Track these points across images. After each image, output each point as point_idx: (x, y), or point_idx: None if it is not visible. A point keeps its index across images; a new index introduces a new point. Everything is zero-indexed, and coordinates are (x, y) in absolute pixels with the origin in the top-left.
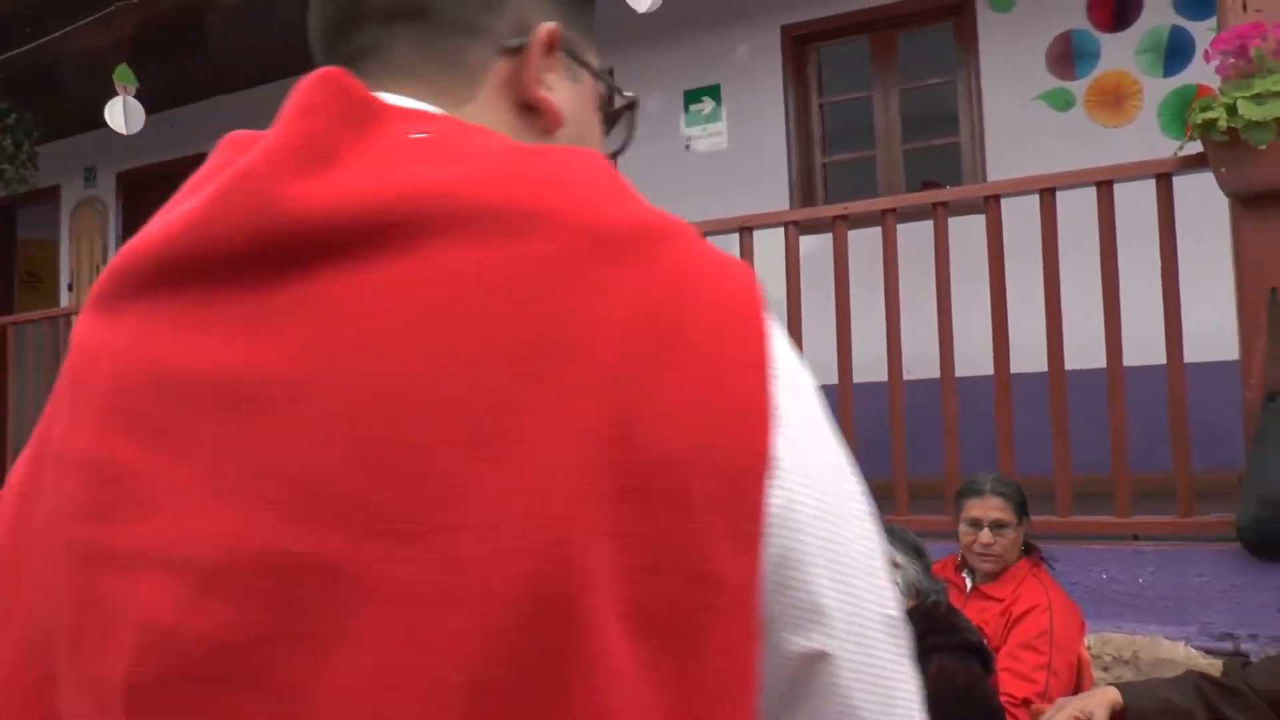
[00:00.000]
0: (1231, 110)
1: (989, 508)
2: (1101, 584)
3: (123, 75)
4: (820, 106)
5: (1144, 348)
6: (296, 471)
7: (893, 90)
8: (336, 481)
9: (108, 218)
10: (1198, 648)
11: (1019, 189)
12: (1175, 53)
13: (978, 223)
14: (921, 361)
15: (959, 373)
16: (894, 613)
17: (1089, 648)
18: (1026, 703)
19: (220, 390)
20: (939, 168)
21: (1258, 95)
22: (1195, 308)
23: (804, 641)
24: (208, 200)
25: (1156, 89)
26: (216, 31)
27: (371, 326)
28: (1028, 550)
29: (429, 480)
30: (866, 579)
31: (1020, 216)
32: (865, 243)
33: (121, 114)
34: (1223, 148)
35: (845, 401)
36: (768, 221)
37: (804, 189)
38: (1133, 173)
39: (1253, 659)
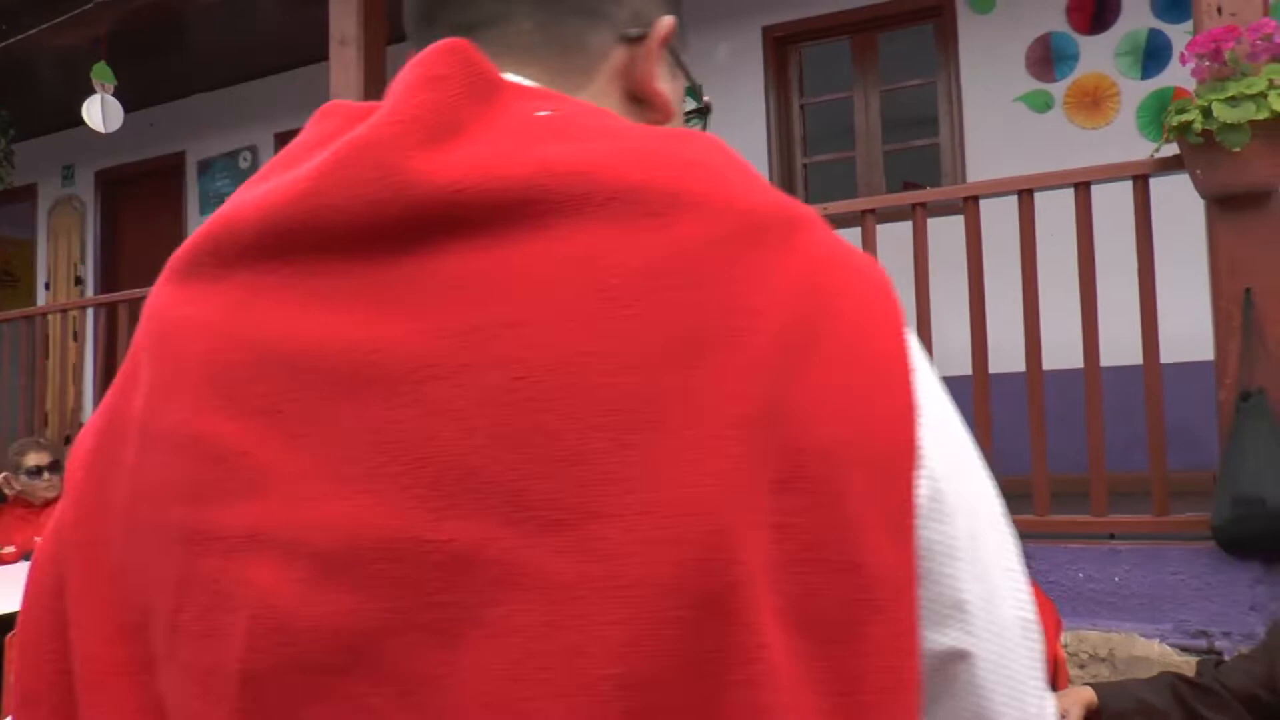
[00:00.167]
0: (1207, 113)
1: None
2: (1078, 582)
3: (100, 73)
4: (801, 107)
5: (1121, 348)
6: (431, 456)
7: (873, 91)
8: (477, 467)
9: (85, 216)
10: (1172, 645)
11: (998, 190)
12: (1153, 55)
13: (957, 223)
14: None
15: (937, 372)
16: (1030, 616)
17: (1065, 645)
18: None
19: (340, 369)
20: (919, 169)
21: (1232, 98)
22: (1171, 309)
23: (943, 639)
24: (322, 169)
25: (1134, 91)
26: (195, 29)
27: (511, 307)
28: None
29: (577, 467)
30: (1005, 577)
31: (999, 217)
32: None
33: (99, 112)
34: (1198, 150)
35: None
36: None
37: (784, 189)
38: (1110, 174)
39: (1225, 656)
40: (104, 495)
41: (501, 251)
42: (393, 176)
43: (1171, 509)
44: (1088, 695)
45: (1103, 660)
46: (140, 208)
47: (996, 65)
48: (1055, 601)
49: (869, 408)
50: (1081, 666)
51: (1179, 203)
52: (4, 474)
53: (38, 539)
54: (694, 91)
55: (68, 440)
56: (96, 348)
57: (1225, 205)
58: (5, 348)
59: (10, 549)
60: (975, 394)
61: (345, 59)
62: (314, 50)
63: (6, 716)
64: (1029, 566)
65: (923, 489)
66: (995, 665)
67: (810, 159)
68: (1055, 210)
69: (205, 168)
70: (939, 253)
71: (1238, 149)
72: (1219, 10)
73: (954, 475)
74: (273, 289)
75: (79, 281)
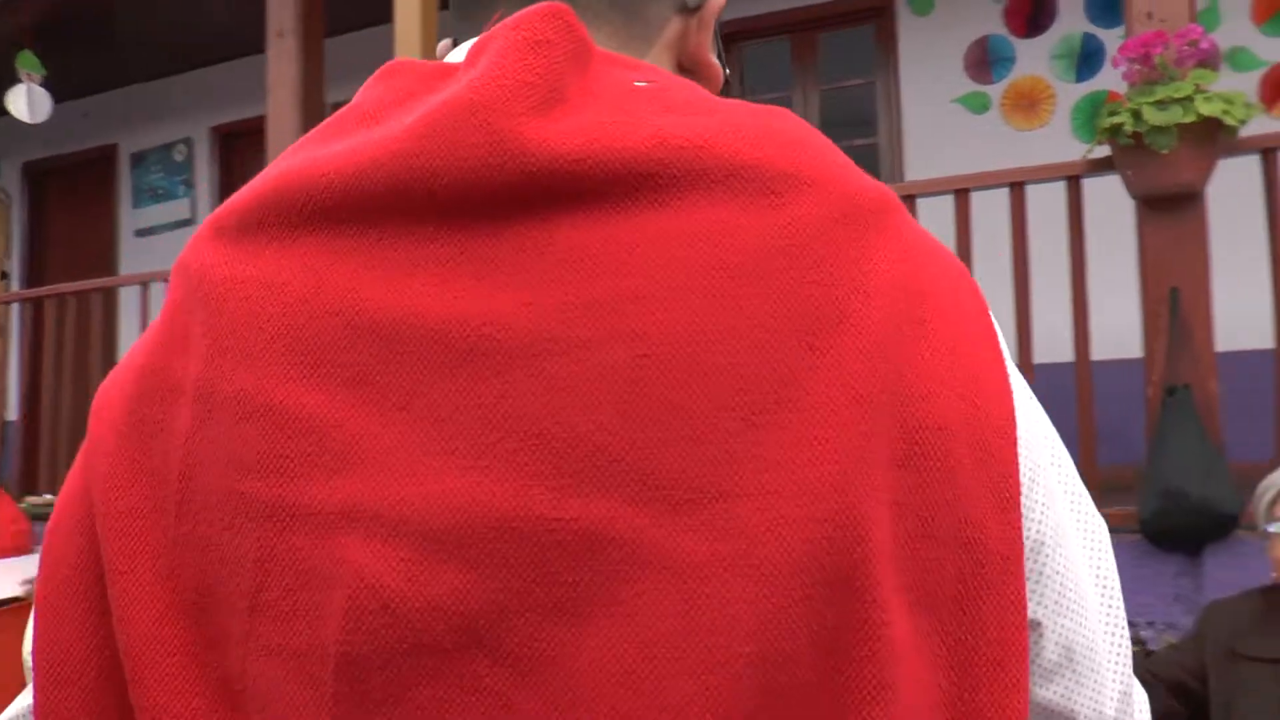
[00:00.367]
0: (1137, 115)
1: None
2: None
3: (26, 62)
4: None
5: (1053, 346)
6: (551, 432)
7: (813, 90)
8: (602, 445)
9: (11, 209)
10: None
11: (935, 189)
12: (1087, 59)
13: None
14: None
15: None
16: (1111, 593)
17: None
18: None
19: (444, 340)
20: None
21: (1160, 101)
22: (1103, 307)
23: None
24: (419, 130)
25: (1069, 94)
26: (129, 19)
27: (632, 281)
28: None
29: (706, 446)
30: (1083, 552)
31: (936, 216)
32: None
33: (25, 102)
34: (1128, 151)
35: None
36: None
37: None
38: (1045, 174)
39: (1150, 645)
40: (145, 462)
41: (618, 225)
42: (506, 143)
43: (1102, 503)
44: None
45: None
46: (69, 200)
47: (935, 67)
48: None
49: (976, 387)
50: None
51: (1111, 203)
52: None
53: None
54: (726, 67)
55: None
56: (22, 343)
57: (1154, 206)
58: None
59: None
60: None
61: (284, 51)
62: (252, 42)
63: (20, 696)
64: None
65: (1023, 463)
66: (1069, 639)
67: None
68: (991, 210)
69: (139, 160)
70: None
71: (1166, 151)
72: (1149, 16)
73: (1044, 450)
74: (358, 253)
75: (3, 276)
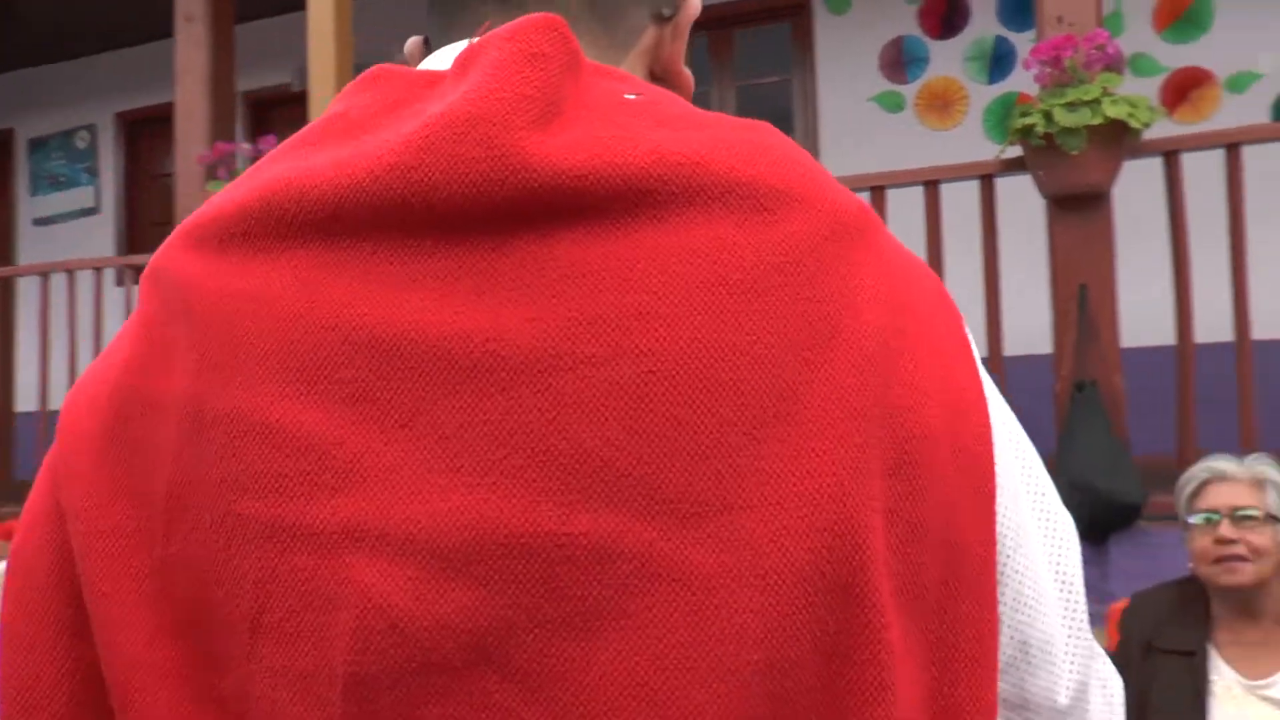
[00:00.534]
0: (1048, 117)
1: None
2: None
3: None
4: None
5: None
6: (559, 448)
7: (729, 87)
8: (610, 460)
9: None
10: None
11: (851, 186)
12: (999, 61)
13: None
14: None
15: None
16: (1072, 585)
17: None
18: None
19: (447, 357)
20: None
21: (1070, 104)
22: (1014, 304)
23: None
24: (417, 143)
25: (981, 95)
26: (25, 2)
27: (636, 298)
28: None
29: (711, 460)
30: (1043, 551)
31: None
32: None
33: None
34: (1040, 152)
35: None
36: None
37: None
38: (958, 173)
39: None
40: (127, 482)
41: (619, 241)
42: (508, 158)
43: None
44: None
45: None
46: None
47: (851, 65)
48: None
49: (955, 396)
50: None
51: (1022, 202)
52: None
53: None
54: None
55: None
56: None
57: (1063, 205)
58: None
59: None
60: None
61: (192, 36)
62: (159, 26)
63: None
64: None
65: (999, 472)
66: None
67: None
68: (906, 208)
69: (38, 146)
70: None
71: (1075, 152)
72: (1059, 20)
73: (1015, 454)
74: (353, 266)
75: None
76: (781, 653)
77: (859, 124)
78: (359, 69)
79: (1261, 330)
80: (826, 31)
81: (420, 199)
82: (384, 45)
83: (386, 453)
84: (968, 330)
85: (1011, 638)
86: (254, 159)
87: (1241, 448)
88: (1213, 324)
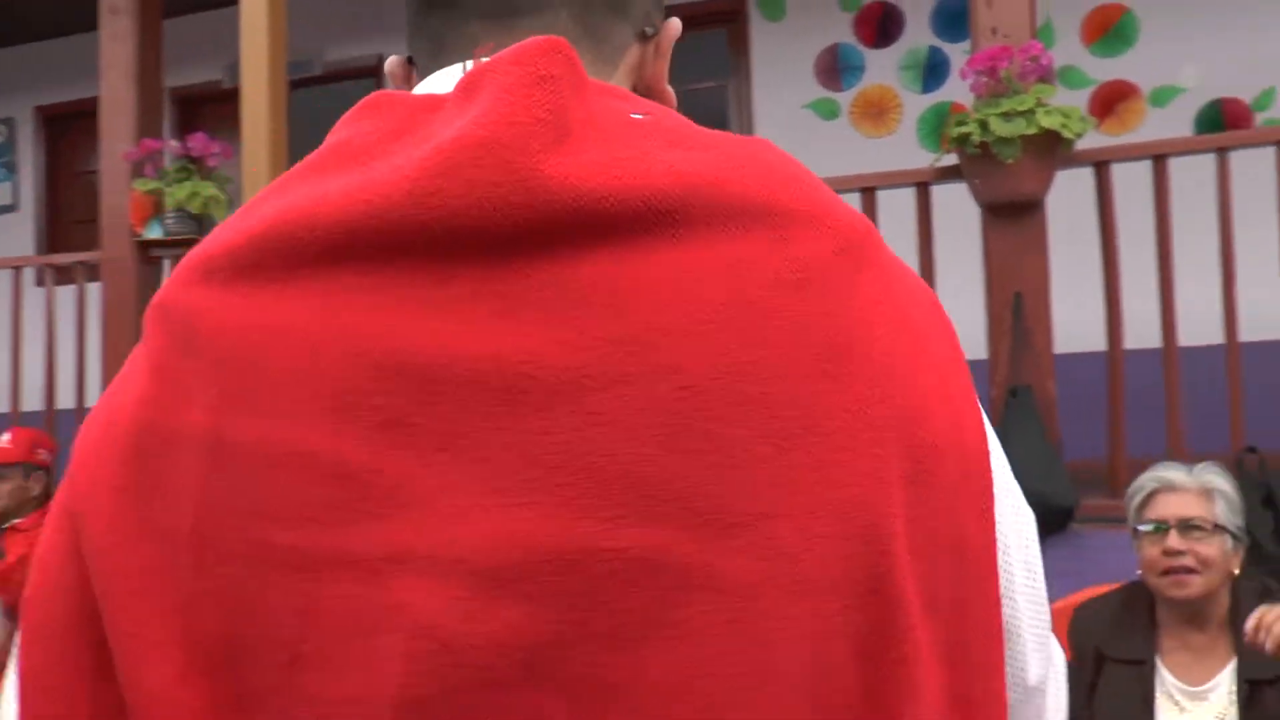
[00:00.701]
0: (984, 126)
1: None
2: None
3: None
4: None
5: None
6: (598, 466)
7: None
8: (647, 475)
9: None
10: None
11: None
12: (933, 71)
13: None
14: None
15: None
16: (1037, 565)
17: None
18: None
19: (480, 379)
20: None
21: (1006, 113)
22: (949, 310)
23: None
24: (433, 168)
25: (916, 104)
26: None
27: (662, 316)
28: None
29: (743, 472)
30: (1022, 552)
31: None
32: None
33: None
34: (975, 160)
35: None
36: None
37: None
38: (894, 181)
39: None
40: (150, 519)
41: (641, 260)
42: (527, 181)
43: None
44: None
45: None
46: None
47: (786, 72)
48: None
49: (957, 406)
50: None
51: (958, 210)
52: None
53: None
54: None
55: None
56: None
57: (998, 213)
58: None
59: None
60: None
61: (118, 29)
62: (82, 18)
63: None
64: None
65: (995, 475)
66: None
67: None
68: None
69: None
70: None
71: (1010, 161)
72: (994, 31)
73: (1002, 462)
74: (375, 293)
75: None
76: (822, 656)
77: (794, 131)
78: (294, 66)
79: (1188, 338)
80: (762, 38)
81: (441, 223)
82: (318, 43)
83: (426, 477)
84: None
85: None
86: (183, 157)
87: (1169, 451)
88: (1141, 331)
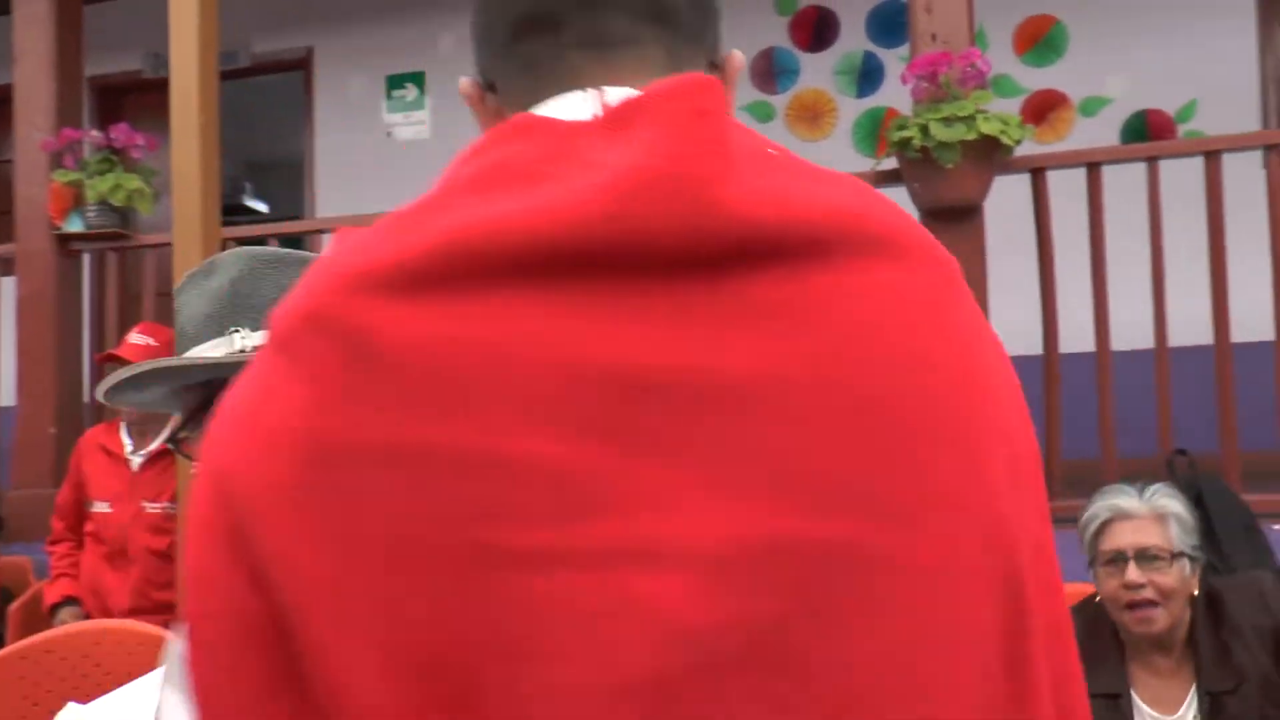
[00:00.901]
0: (924, 131)
1: None
2: None
3: None
4: None
5: None
6: (799, 464)
7: None
8: (839, 472)
9: None
10: None
11: None
12: (867, 76)
13: None
14: None
15: None
16: None
17: None
18: None
19: (682, 386)
20: None
21: (946, 119)
22: None
23: None
24: (622, 192)
25: (851, 108)
26: None
27: (837, 332)
28: None
29: (911, 470)
30: None
31: None
32: None
33: None
34: (915, 165)
35: None
36: None
37: None
38: None
39: None
40: (336, 528)
41: (809, 282)
42: (710, 208)
43: None
44: None
45: None
46: None
47: None
48: None
49: (1024, 417)
50: None
51: None
52: None
53: None
54: None
55: None
56: None
57: (937, 217)
58: None
59: None
60: None
61: (34, 14)
62: None
63: None
64: None
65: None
66: None
67: None
68: None
69: None
70: None
71: (950, 165)
72: (933, 37)
73: None
74: (568, 306)
75: None
76: (983, 632)
77: None
78: (220, 58)
79: (1121, 342)
80: None
81: (631, 243)
82: (244, 34)
83: (640, 477)
84: None
85: None
86: (106, 148)
87: (1102, 453)
88: (1076, 335)
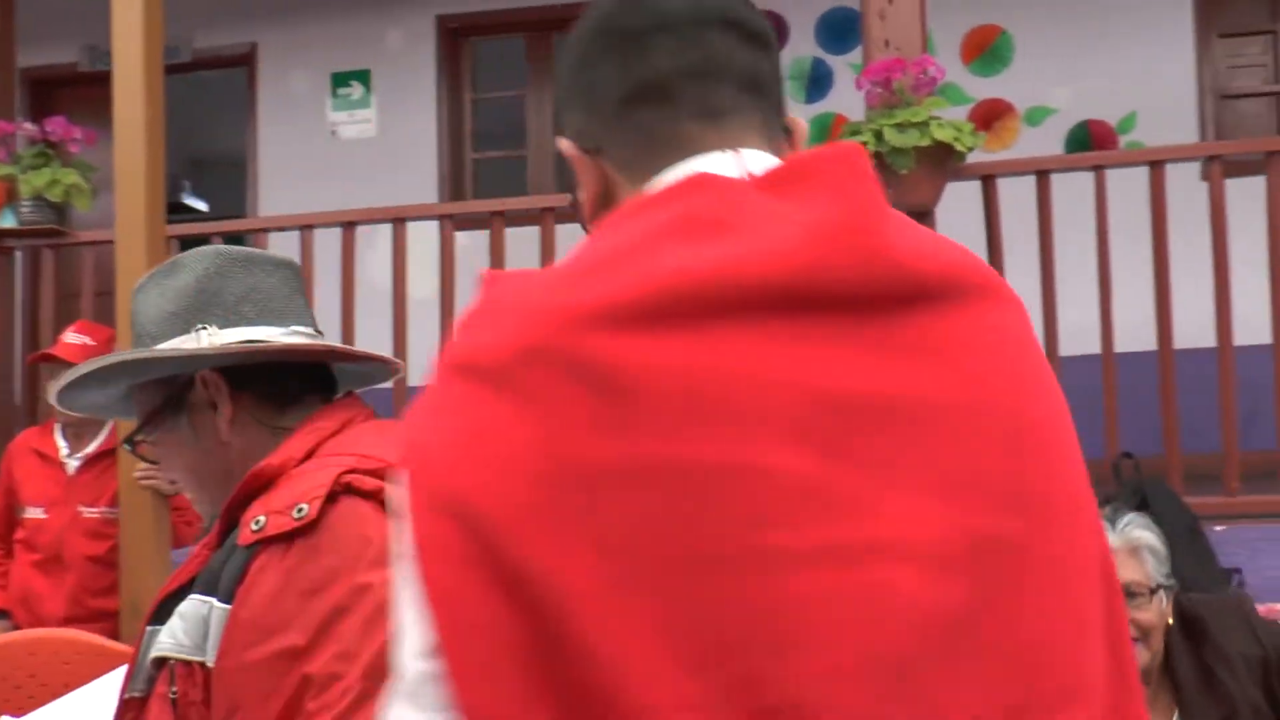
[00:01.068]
0: (879, 136)
1: None
2: None
3: None
4: (472, 101)
5: None
6: (979, 474)
7: (546, 90)
8: (1003, 477)
9: None
10: None
11: None
12: (816, 82)
13: None
14: None
15: None
16: None
17: None
18: None
19: (892, 408)
20: None
21: (900, 124)
22: None
23: None
24: (823, 242)
25: (799, 114)
26: None
27: (987, 361)
28: None
29: (1049, 475)
30: None
31: None
32: (521, 242)
33: None
34: None
35: None
36: (421, 214)
37: (454, 184)
38: None
39: None
40: (588, 540)
41: (957, 321)
42: (887, 259)
43: None
44: None
45: None
46: None
47: None
48: None
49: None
50: None
51: None
52: None
53: None
54: None
55: None
56: None
57: None
58: None
59: None
60: None
61: None
62: None
63: None
64: None
65: None
66: None
67: (481, 155)
68: None
69: None
70: None
71: (904, 171)
72: (886, 43)
73: None
74: (797, 338)
75: None
76: (1097, 611)
77: None
78: (166, 53)
79: (1069, 346)
80: None
81: (829, 287)
82: (186, 29)
83: (865, 484)
84: None
85: None
86: (41, 141)
87: None
88: None
